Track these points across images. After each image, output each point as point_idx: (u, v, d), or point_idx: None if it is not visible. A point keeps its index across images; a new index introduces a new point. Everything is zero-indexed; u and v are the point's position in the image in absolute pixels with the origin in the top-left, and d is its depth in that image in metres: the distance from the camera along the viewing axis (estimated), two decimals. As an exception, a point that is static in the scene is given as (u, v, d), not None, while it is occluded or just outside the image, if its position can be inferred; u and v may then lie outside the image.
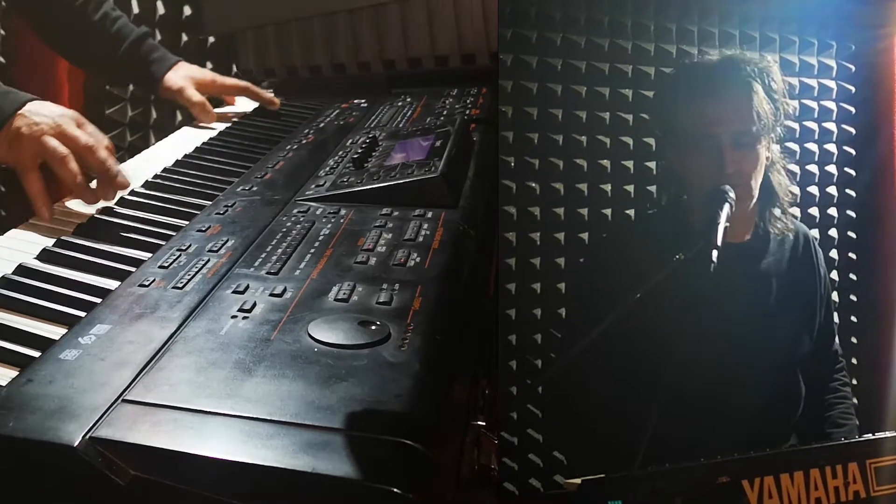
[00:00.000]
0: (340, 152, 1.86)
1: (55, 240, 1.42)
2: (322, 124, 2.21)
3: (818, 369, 1.79)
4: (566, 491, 1.41)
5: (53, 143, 1.54)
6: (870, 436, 1.52)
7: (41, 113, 1.57)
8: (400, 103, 2.30)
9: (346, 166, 1.72)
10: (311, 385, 0.93)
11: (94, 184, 1.60)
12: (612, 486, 1.35)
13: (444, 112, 2.14)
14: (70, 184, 1.55)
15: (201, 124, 2.28)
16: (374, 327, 1.05)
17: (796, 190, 1.73)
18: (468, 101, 2.24)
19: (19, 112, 1.56)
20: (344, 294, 1.14)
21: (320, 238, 1.36)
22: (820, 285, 1.77)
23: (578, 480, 1.37)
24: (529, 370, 2.03)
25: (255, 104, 2.44)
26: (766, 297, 1.69)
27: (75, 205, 1.59)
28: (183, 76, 2.32)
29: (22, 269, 1.30)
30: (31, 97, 1.60)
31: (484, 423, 1.15)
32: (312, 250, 1.31)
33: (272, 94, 2.44)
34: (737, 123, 1.59)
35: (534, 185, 2.03)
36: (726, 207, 1.53)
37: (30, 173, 1.54)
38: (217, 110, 2.37)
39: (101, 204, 1.59)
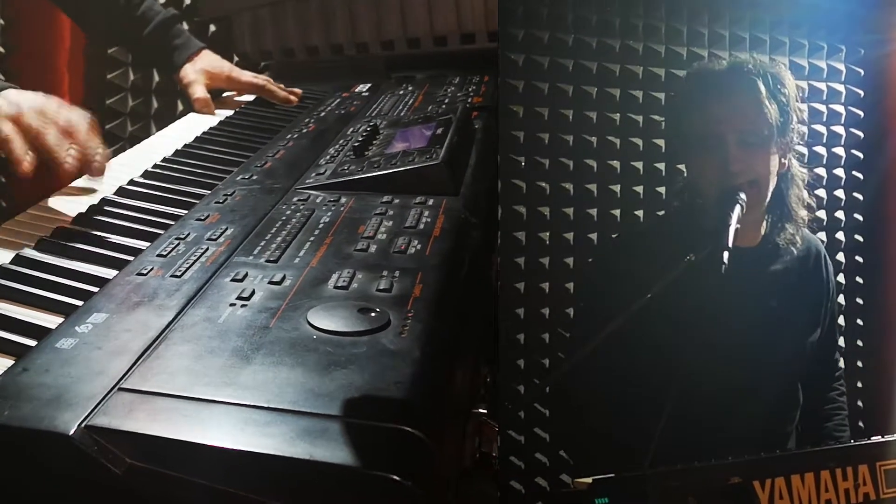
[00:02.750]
0: (341, 141, 1.85)
1: (53, 229, 1.41)
2: (323, 113, 2.20)
3: (816, 380, 1.79)
4: (573, 490, 1.40)
5: (32, 118, 1.51)
6: (879, 438, 1.52)
7: (17, 98, 1.54)
8: (401, 92, 2.29)
9: (346, 154, 1.71)
10: (309, 372, 0.92)
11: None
12: (624, 484, 1.34)
13: (446, 100, 2.13)
14: (54, 153, 1.50)
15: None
16: (373, 314, 1.04)
17: (805, 195, 1.72)
18: (470, 89, 2.22)
19: None
20: (343, 281, 1.13)
21: (320, 226, 1.35)
22: (826, 301, 1.77)
23: (589, 479, 1.36)
24: (537, 369, 2.03)
25: None
26: (767, 303, 1.69)
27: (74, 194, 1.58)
28: (198, 69, 2.33)
29: (19, 259, 1.29)
30: (8, 85, 1.58)
31: (485, 411, 1.14)
32: (312, 238, 1.30)
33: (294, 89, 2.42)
34: (741, 122, 1.60)
35: (544, 184, 2.03)
36: (737, 209, 1.54)
37: (8, 137, 1.48)
38: (225, 95, 2.39)
39: (101, 194, 1.58)
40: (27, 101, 1.53)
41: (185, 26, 2.45)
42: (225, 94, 2.44)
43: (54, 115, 1.54)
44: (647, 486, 1.31)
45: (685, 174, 1.75)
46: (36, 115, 1.52)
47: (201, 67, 2.33)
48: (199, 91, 2.29)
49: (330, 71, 2.56)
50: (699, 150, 1.64)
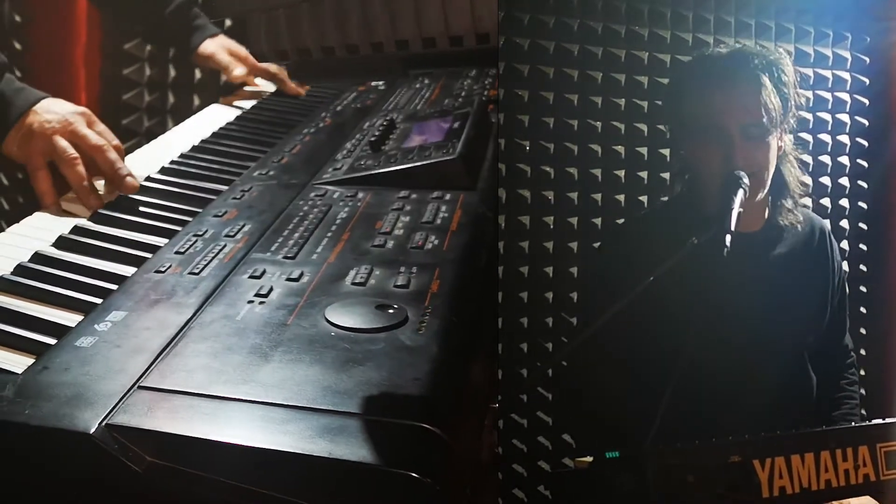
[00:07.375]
0: (358, 135, 1.85)
1: (71, 227, 1.42)
2: (339, 107, 2.20)
3: (826, 363, 1.78)
4: (573, 469, 1.41)
5: (63, 143, 1.54)
6: (880, 420, 1.52)
7: (53, 110, 1.57)
8: (418, 85, 2.28)
9: (363, 149, 1.71)
10: (327, 369, 0.92)
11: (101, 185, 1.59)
12: (624, 463, 1.35)
13: (463, 93, 2.12)
14: (76, 186, 1.54)
15: (226, 104, 2.30)
16: (391, 311, 1.04)
17: (808, 180, 1.71)
18: (486, 82, 2.21)
19: (32, 109, 1.57)
20: (361, 278, 1.13)
21: (337, 222, 1.35)
22: (833, 279, 1.76)
23: (589, 458, 1.37)
24: (540, 353, 2.03)
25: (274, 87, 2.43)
26: (774, 286, 1.69)
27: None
28: (218, 44, 2.34)
29: (38, 257, 1.29)
30: (43, 95, 1.60)
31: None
32: (329, 234, 1.30)
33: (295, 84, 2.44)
34: (745, 115, 1.59)
35: (548, 168, 2.03)
36: (740, 193, 1.53)
37: (38, 172, 1.54)
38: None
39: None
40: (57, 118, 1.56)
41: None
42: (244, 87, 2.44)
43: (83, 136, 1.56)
44: (646, 465, 1.31)
45: (687, 161, 1.74)
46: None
47: (221, 44, 2.35)
48: (225, 58, 2.31)
49: (346, 69, 2.56)
50: (701, 139, 1.63)
